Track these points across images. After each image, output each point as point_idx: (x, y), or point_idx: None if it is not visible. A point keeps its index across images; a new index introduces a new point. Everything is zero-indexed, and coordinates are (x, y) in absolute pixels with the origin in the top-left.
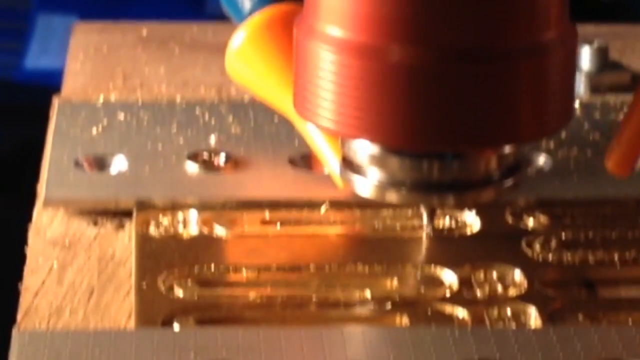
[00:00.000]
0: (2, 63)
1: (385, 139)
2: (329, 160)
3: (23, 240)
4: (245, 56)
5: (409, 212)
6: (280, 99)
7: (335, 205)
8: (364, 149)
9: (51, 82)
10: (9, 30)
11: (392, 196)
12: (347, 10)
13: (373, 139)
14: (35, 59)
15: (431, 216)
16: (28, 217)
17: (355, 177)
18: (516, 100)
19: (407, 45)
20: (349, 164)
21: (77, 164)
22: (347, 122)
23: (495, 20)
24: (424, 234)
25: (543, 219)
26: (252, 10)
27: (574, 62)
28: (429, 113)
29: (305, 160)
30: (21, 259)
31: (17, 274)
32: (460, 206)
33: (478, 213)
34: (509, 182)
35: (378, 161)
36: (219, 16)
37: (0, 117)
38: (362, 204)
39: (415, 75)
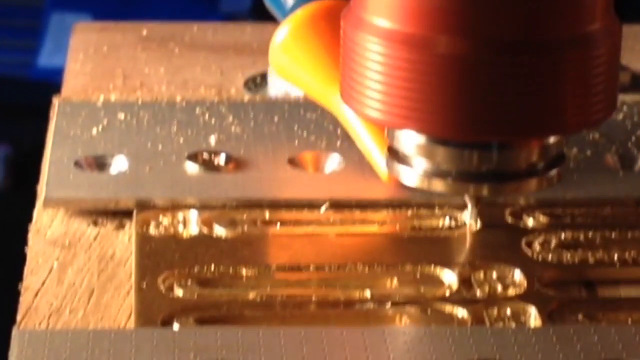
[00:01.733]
0: (16, 61)
1: (432, 129)
2: (372, 153)
3: (23, 240)
4: (288, 50)
5: (409, 212)
6: (323, 92)
7: (335, 205)
8: (410, 139)
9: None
10: (22, 29)
11: (437, 185)
12: (394, 1)
13: (420, 129)
14: (49, 57)
15: (476, 205)
16: (28, 218)
17: (401, 168)
18: (561, 91)
19: (454, 37)
20: (394, 154)
21: (77, 164)
22: (394, 113)
23: (541, 11)
24: (468, 224)
25: (543, 219)
26: (295, 6)
27: (618, 54)
28: (475, 103)
29: (305, 160)
30: (21, 259)
31: (17, 274)
32: (504, 196)
33: (478, 213)
34: (553, 173)
35: (424, 151)
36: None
37: (14, 114)
38: (362, 204)
39: (462, 66)
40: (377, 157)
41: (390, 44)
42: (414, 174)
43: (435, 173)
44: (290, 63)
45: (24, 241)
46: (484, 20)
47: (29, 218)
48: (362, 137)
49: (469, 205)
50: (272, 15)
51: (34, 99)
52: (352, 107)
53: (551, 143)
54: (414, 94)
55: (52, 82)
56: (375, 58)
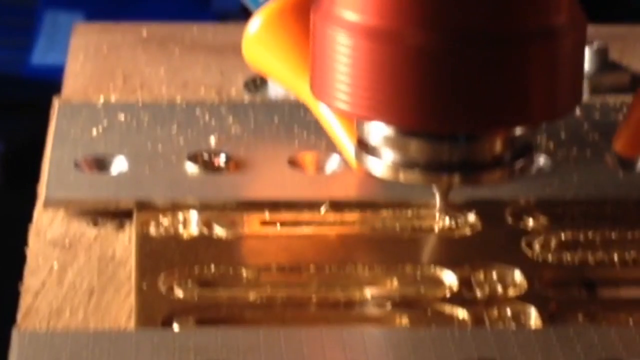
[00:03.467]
0: (9, 59)
1: (399, 121)
2: (344, 143)
3: (23, 241)
4: (261, 41)
5: (409, 212)
6: (295, 82)
7: (335, 205)
8: (379, 131)
9: (57, 78)
10: (15, 27)
11: (405, 176)
12: None
13: (387, 120)
14: (42, 55)
15: (444, 196)
16: (28, 218)
17: (369, 159)
18: (527, 82)
19: (421, 29)
20: (363, 146)
21: (78, 165)
22: (362, 104)
23: (507, 3)
24: (437, 214)
25: (543, 219)
26: None
27: (583, 46)
28: (441, 95)
29: (305, 161)
30: (21, 259)
31: (17, 274)
32: (471, 185)
33: (478, 213)
34: (519, 164)
35: (392, 142)
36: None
37: (7, 112)
38: (362, 204)
39: (428, 58)
40: (349, 147)
41: (357, 36)
42: (382, 164)
43: (405, 164)
44: (264, 54)
45: (21, 240)
46: (450, 12)
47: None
48: (334, 128)
49: (437, 197)
50: (232, 17)
51: (27, 96)
52: (321, 99)
53: (521, 133)
54: (381, 86)
55: (45, 80)
56: (343, 50)
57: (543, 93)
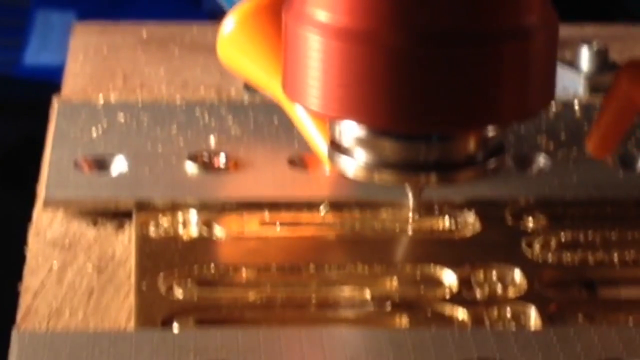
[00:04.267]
0: (2, 59)
1: (371, 121)
2: (317, 143)
3: (23, 241)
4: (236, 41)
5: (409, 212)
6: (270, 82)
7: (335, 205)
8: (351, 131)
9: (50, 78)
10: (8, 27)
11: (378, 176)
12: None
13: (359, 120)
14: (35, 55)
15: (417, 196)
16: (28, 218)
17: (342, 158)
18: (498, 82)
19: (392, 29)
20: (336, 146)
21: (77, 165)
22: (334, 104)
23: (478, 3)
24: (410, 214)
25: (543, 219)
26: None
27: (555, 46)
28: (412, 95)
29: (305, 161)
30: (21, 259)
31: (17, 274)
32: (444, 185)
33: (478, 213)
34: (492, 163)
35: (364, 142)
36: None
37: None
38: (362, 204)
39: (400, 58)
40: (322, 147)
41: (328, 36)
42: (354, 165)
43: (377, 164)
44: (238, 54)
45: (23, 242)
46: (421, 12)
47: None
48: (307, 128)
49: (410, 197)
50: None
51: (19, 96)
52: (293, 99)
53: (494, 132)
54: (352, 86)
55: (37, 79)
56: (314, 50)
57: (514, 93)
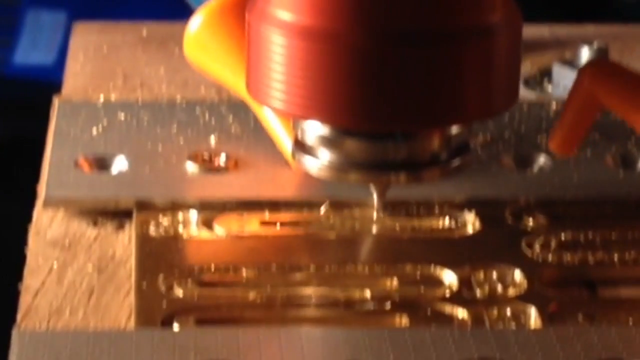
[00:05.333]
0: None
1: (334, 119)
2: (284, 142)
3: (23, 241)
4: (202, 40)
5: (409, 212)
6: (236, 81)
7: (335, 205)
8: (315, 130)
9: (40, 77)
10: None
11: (341, 175)
12: None
13: (321, 119)
14: (25, 54)
15: (381, 195)
16: (28, 218)
17: (306, 158)
18: (462, 81)
19: (355, 28)
20: (300, 145)
21: (77, 164)
22: (297, 103)
23: (440, 3)
24: (374, 213)
25: (543, 219)
26: None
27: (518, 44)
28: (375, 94)
29: None
30: (21, 259)
31: (17, 274)
32: (409, 184)
33: (478, 213)
34: (456, 162)
35: (328, 142)
36: None
37: None
38: (362, 204)
39: (363, 56)
40: (289, 147)
41: (291, 36)
42: (318, 164)
43: (341, 163)
44: (205, 53)
45: (24, 241)
46: (383, 11)
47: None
48: (274, 128)
49: (375, 196)
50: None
51: (10, 95)
52: (257, 98)
53: (458, 131)
54: (316, 85)
55: (27, 78)
56: (277, 50)
57: (478, 91)
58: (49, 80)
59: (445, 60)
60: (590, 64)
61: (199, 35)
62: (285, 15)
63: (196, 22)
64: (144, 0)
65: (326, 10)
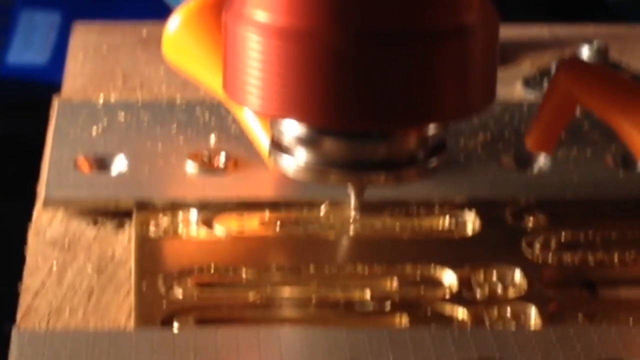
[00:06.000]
0: None
1: (311, 119)
2: (262, 143)
3: (23, 241)
4: (180, 40)
5: (409, 212)
6: (214, 82)
7: (335, 205)
8: (292, 130)
9: (34, 78)
10: None
11: (317, 176)
12: None
13: (299, 118)
14: (18, 55)
15: (358, 195)
16: (28, 217)
17: (283, 158)
18: (438, 80)
19: (331, 28)
20: (277, 146)
21: (77, 164)
22: (273, 102)
23: (416, 2)
24: (352, 214)
25: (543, 219)
26: None
27: (495, 44)
28: (351, 93)
29: None
30: (21, 259)
31: (17, 274)
32: (386, 184)
33: (478, 213)
34: (432, 162)
35: (305, 142)
36: None
37: None
38: (362, 204)
39: (339, 56)
40: (266, 147)
41: (267, 36)
42: (295, 164)
43: (318, 163)
44: (183, 53)
45: (23, 241)
46: (359, 10)
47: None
48: (252, 128)
49: (352, 196)
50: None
51: (3, 95)
52: (234, 98)
53: (435, 131)
54: (292, 85)
55: (21, 79)
56: (254, 50)
57: (454, 91)
58: (42, 81)
59: (421, 60)
60: (567, 61)
61: (178, 35)
62: (261, 15)
63: (174, 22)
64: (139, 0)
65: (302, 11)
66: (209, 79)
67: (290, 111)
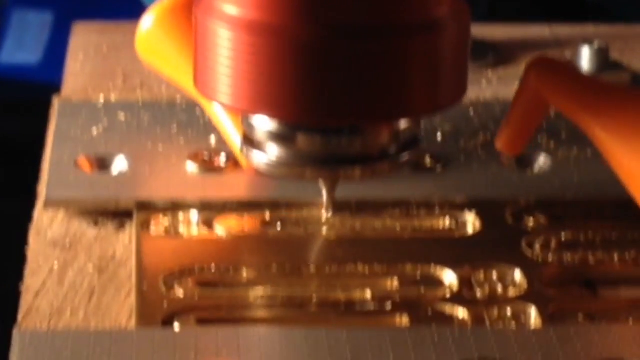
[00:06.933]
0: None
1: (281, 114)
2: (234, 140)
3: (24, 241)
4: (154, 38)
5: (409, 212)
6: (188, 80)
7: (336, 205)
8: (264, 125)
9: (26, 77)
10: None
11: (290, 172)
12: None
13: (269, 114)
14: (10, 54)
15: (330, 192)
16: (28, 218)
17: (255, 154)
18: (409, 75)
19: (301, 22)
20: (249, 142)
21: (78, 165)
22: (243, 97)
23: None
24: (324, 210)
25: (543, 219)
26: None
27: (466, 38)
28: (321, 88)
29: None
30: (22, 259)
31: (17, 274)
32: (356, 179)
33: (478, 213)
34: (404, 157)
35: (276, 137)
36: None
37: None
38: (362, 204)
39: (309, 51)
40: (237, 143)
41: (237, 30)
42: (267, 160)
43: (289, 159)
44: (156, 51)
45: (24, 241)
46: (329, 5)
47: (29, 218)
48: (223, 124)
49: (324, 192)
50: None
51: None
52: (204, 93)
53: (407, 125)
54: (262, 79)
55: (13, 79)
56: (224, 44)
57: (425, 85)
58: (35, 80)
59: (391, 55)
60: (537, 61)
61: (151, 34)
62: (231, 9)
63: (148, 20)
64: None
65: (272, 5)
66: (182, 77)
67: (260, 106)
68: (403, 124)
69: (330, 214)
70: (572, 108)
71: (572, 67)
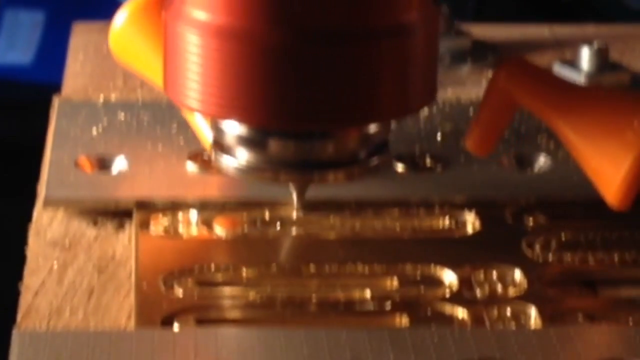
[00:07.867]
0: None
1: (249, 119)
2: (208, 141)
3: (23, 241)
4: (127, 36)
5: (409, 212)
6: (161, 77)
7: (336, 205)
8: (232, 130)
9: (18, 77)
10: None
11: (259, 175)
12: None
13: (238, 118)
14: (3, 54)
15: (300, 194)
16: (28, 218)
17: (225, 158)
18: (378, 80)
19: (270, 27)
20: (219, 146)
21: (77, 164)
22: (212, 103)
23: (354, 1)
24: (294, 213)
25: (543, 219)
26: None
27: (436, 43)
28: (289, 93)
29: None
30: (21, 259)
31: (17, 274)
32: (327, 182)
33: (478, 213)
34: (374, 161)
35: (245, 141)
36: None
37: None
38: (362, 203)
39: (277, 56)
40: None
41: (206, 35)
42: (237, 164)
43: (259, 163)
44: (130, 49)
45: (24, 241)
46: (298, 10)
47: (29, 218)
48: (199, 126)
49: (294, 195)
50: None
51: None
52: (174, 97)
53: (376, 130)
54: (231, 84)
55: (5, 78)
56: (193, 49)
57: (394, 90)
58: (26, 80)
59: (360, 59)
60: (506, 61)
61: (124, 31)
62: (200, 14)
63: (121, 18)
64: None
65: (241, 10)
66: (155, 75)
67: (230, 111)
68: (372, 127)
69: (301, 214)
70: (541, 108)
71: (540, 68)
